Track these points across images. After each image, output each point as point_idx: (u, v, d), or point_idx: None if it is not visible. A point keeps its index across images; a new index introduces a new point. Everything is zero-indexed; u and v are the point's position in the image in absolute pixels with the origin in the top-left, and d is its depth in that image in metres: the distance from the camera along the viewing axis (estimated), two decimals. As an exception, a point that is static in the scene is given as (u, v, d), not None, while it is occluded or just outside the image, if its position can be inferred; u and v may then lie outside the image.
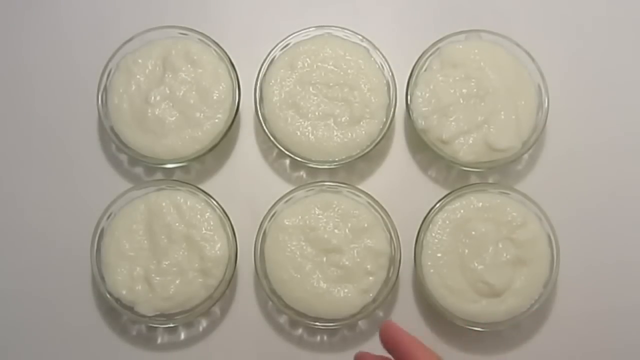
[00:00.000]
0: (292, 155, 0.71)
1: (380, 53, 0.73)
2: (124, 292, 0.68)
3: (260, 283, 0.69)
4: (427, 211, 0.70)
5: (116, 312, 0.70)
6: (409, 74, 0.72)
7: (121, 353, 0.71)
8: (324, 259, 0.69)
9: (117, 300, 0.68)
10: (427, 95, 0.72)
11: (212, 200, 0.70)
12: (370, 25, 0.76)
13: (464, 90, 0.72)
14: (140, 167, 0.75)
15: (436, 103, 0.71)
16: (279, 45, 0.73)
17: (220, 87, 0.72)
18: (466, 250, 0.69)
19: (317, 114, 0.72)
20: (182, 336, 0.71)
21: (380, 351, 0.71)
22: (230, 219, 0.70)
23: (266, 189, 0.73)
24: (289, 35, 0.73)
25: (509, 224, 0.69)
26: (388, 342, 0.55)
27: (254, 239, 0.69)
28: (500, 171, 0.74)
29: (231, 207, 0.70)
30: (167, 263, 0.68)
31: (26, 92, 0.76)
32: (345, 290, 0.68)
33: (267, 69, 0.73)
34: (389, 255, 0.69)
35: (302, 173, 0.75)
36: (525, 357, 0.71)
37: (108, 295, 0.68)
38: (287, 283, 0.68)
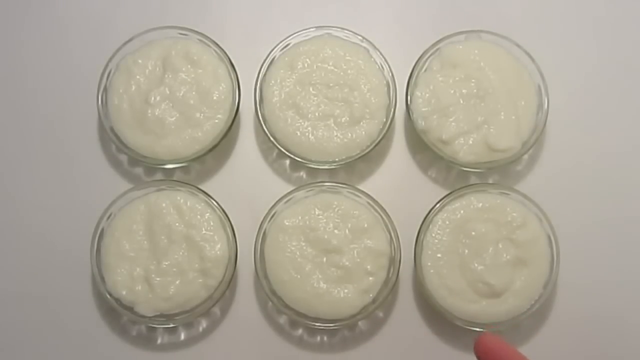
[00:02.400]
0: (292, 156, 0.71)
1: (380, 53, 0.73)
2: (124, 292, 0.68)
3: (260, 283, 0.69)
4: (427, 211, 0.70)
5: (116, 313, 0.70)
6: (409, 75, 0.72)
7: (121, 353, 0.71)
8: (324, 259, 0.69)
9: (117, 300, 0.68)
10: (427, 95, 0.72)
11: (212, 200, 0.70)
12: (370, 25, 0.76)
13: (464, 91, 0.72)
14: (140, 168, 0.75)
15: (436, 103, 0.71)
16: (279, 45, 0.73)
17: (220, 88, 0.72)
18: (466, 251, 0.69)
19: (317, 114, 0.72)
20: (182, 336, 0.71)
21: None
22: (230, 219, 0.70)
23: (266, 189, 0.73)
24: (289, 36, 0.73)
25: (509, 224, 0.69)
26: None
27: (254, 239, 0.69)
28: (500, 171, 0.74)
29: (231, 207, 0.70)
30: (167, 263, 0.68)
31: (26, 92, 0.76)
32: (345, 291, 0.68)
33: (267, 69, 0.73)
34: (389, 255, 0.69)
35: (302, 173, 0.75)
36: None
37: (108, 296, 0.68)
38: (287, 283, 0.68)
